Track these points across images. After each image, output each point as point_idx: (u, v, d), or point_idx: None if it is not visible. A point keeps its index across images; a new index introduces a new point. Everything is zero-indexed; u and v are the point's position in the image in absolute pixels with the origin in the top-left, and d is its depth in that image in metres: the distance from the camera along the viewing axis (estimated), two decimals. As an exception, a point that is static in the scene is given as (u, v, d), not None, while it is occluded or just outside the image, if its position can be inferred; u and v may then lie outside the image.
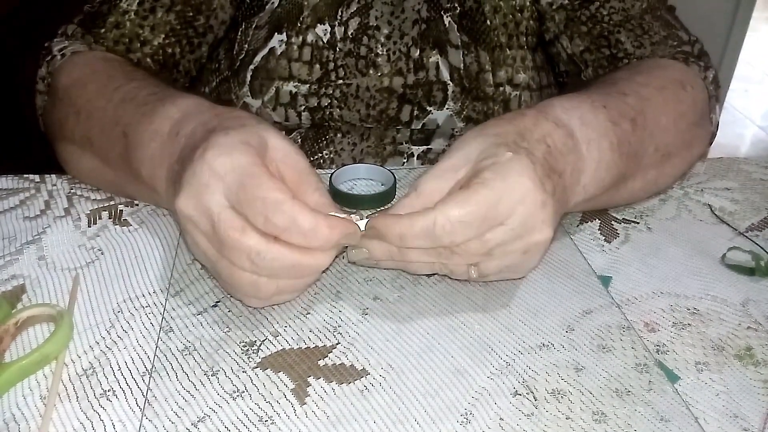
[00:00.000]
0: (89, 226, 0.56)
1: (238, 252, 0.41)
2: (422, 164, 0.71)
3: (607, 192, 0.52)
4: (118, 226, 0.56)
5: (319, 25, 0.68)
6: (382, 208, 0.46)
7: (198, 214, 0.42)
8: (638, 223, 0.58)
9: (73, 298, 0.48)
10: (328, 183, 0.61)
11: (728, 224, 0.58)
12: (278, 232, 0.41)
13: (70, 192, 0.60)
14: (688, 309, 0.49)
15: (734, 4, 2.28)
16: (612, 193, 0.53)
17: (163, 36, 0.66)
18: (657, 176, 0.57)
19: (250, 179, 0.41)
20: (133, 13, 0.65)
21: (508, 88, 0.69)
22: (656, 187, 0.60)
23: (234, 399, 0.41)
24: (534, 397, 0.41)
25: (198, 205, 0.42)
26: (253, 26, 0.69)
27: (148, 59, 0.65)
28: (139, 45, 0.65)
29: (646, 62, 0.62)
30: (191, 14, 0.67)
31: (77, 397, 0.41)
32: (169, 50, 0.67)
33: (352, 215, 0.45)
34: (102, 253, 0.53)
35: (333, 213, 0.44)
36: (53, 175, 0.62)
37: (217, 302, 0.48)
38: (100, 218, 0.56)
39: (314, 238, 0.41)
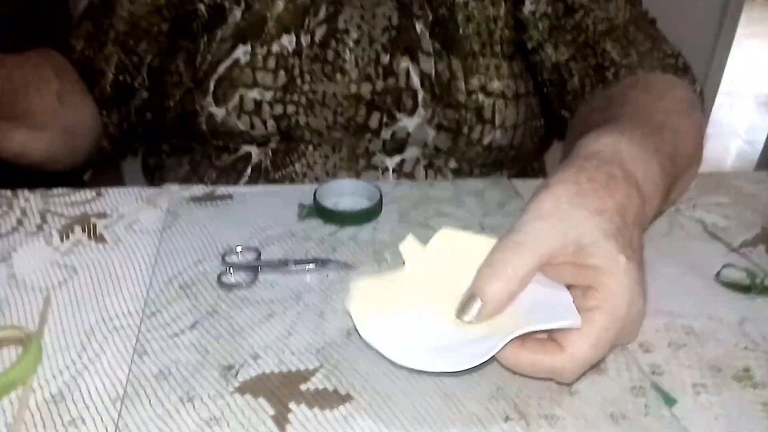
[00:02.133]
0: (62, 242, 0.53)
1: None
2: (398, 178, 0.70)
3: None
4: (93, 241, 0.54)
5: (284, 35, 0.66)
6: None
7: None
8: (630, 239, 0.57)
9: (43, 319, 0.46)
10: (313, 198, 0.59)
11: (721, 240, 0.57)
12: None
13: (43, 208, 0.58)
14: (684, 328, 0.47)
15: (719, 20, 2.30)
16: None
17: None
18: (667, 201, 0.56)
19: None
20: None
21: (481, 96, 0.67)
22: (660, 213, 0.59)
23: (210, 427, 0.39)
24: (526, 423, 0.40)
25: None
26: (217, 39, 0.67)
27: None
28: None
29: (654, 81, 0.61)
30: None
31: (44, 425, 0.39)
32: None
33: None
34: (75, 272, 0.51)
35: None
36: (26, 191, 0.60)
37: (194, 323, 0.46)
38: (72, 233, 0.54)
39: None
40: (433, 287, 0.44)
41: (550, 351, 0.39)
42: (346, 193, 0.62)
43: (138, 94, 0.73)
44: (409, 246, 0.46)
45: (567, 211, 0.40)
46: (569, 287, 0.41)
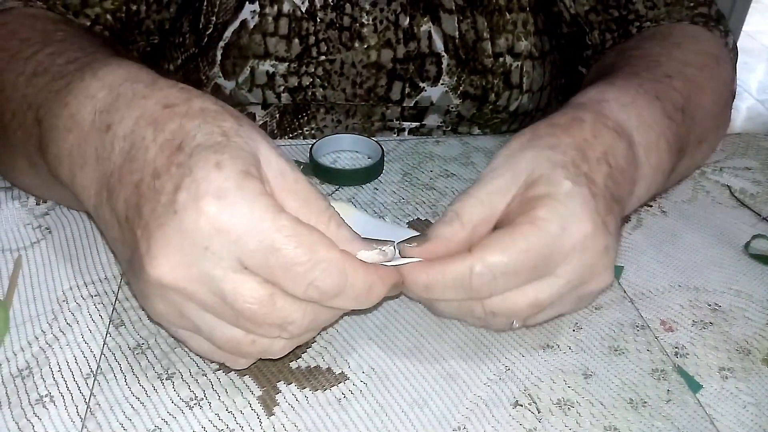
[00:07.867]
0: (37, 204, 0.49)
1: (266, 326, 0.33)
2: (415, 137, 0.65)
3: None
4: (69, 200, 0.50)
5: None
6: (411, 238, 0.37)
7: (196, 285, 0.31)
8: (651, 206, 0.52)
9: (13, 284, 0.42)
10: (308, 155, 0.54)
11: (750, 208, 0.52)
12: (325, 299, 0.32)
13: (18, 161, 0.53)
14: (710, 305, 0.43)
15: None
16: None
17: None
18: (689, 164, 0.51)
19: (286, 240, 0.31)
20: None
21: (508, 59, 0.62)
22: (683, 176, 0.54)
23: (190, 408, 0.35)
24: (537, 409, 0.36)
25: (196, 275, 0.31)
26: None
27: (109, 16, 0.58)
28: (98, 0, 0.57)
29: (675, 31, 0.55)
30: None
31: (9, 403, 0.35)
32: (134, 7, 0.59)
33: (383, 246, 0.34)
34: (50, 232, 0.47)
35: (363, 250, 0.34)
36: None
37: (177, 291, 0.42)
38: (48, 192, 0.50)
39: (368, 299, 0.33)
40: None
41: (458, 256, 0.35)
42: (345, 149, 0.58)
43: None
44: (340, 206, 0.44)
45: (516, 158, 0.38)
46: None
